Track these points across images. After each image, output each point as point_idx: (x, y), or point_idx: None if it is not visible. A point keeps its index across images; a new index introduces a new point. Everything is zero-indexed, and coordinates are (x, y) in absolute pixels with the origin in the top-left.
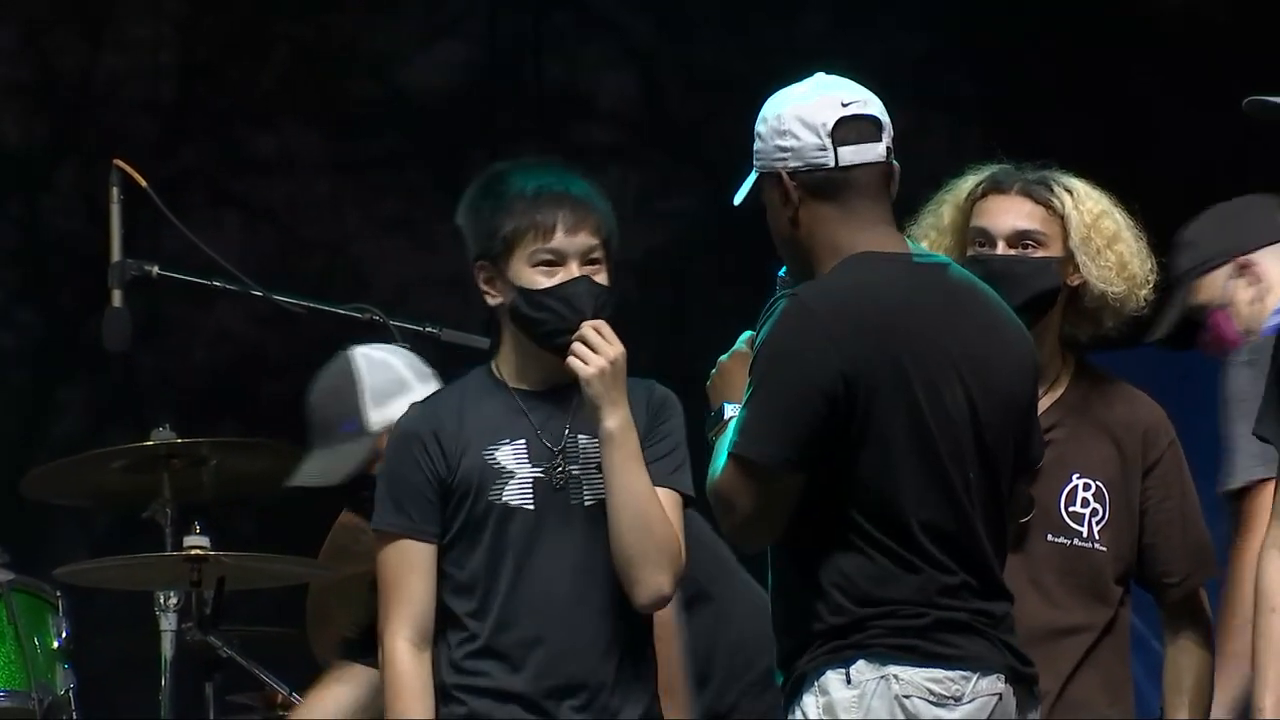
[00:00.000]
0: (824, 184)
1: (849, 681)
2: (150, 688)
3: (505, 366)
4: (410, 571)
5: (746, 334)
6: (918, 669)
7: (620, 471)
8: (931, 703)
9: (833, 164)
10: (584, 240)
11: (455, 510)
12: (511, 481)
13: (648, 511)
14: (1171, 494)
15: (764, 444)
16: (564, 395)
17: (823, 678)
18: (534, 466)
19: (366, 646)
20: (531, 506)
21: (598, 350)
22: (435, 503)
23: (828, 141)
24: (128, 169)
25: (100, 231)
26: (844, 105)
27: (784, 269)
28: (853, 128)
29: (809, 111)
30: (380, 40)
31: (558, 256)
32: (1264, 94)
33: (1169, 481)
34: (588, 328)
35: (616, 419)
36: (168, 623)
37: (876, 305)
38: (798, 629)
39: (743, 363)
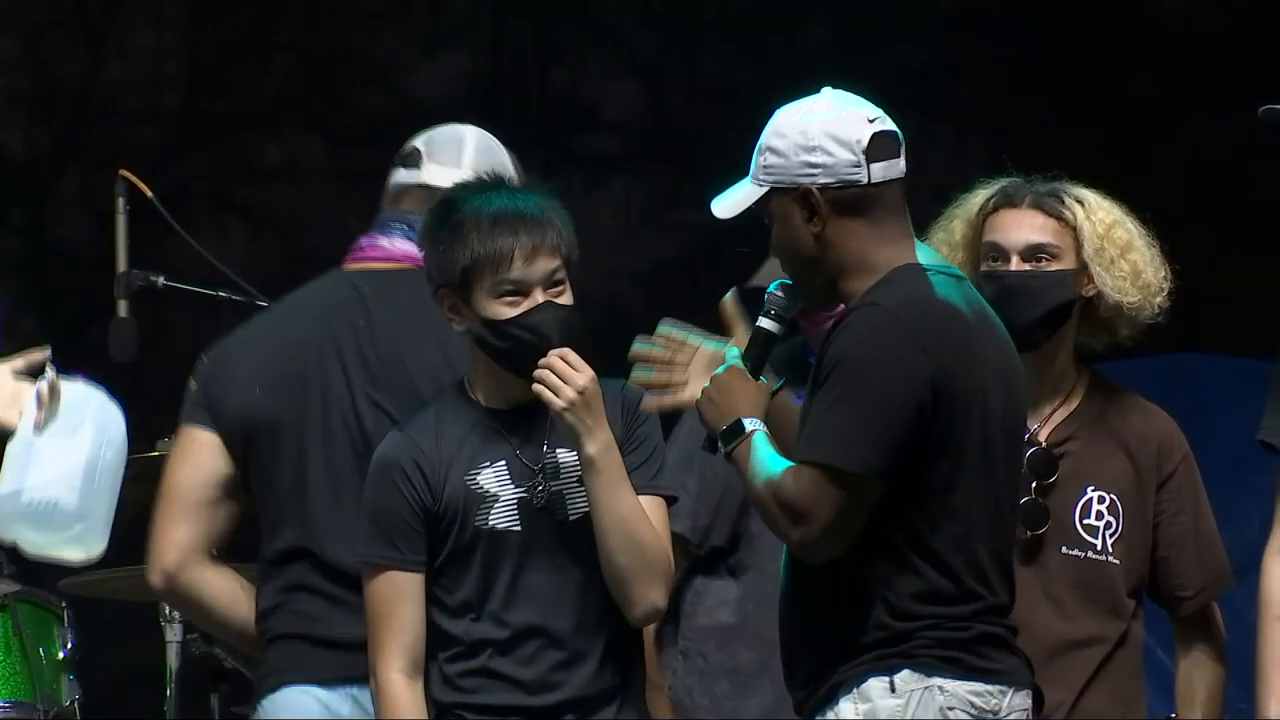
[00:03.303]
0: (855, 200)
1: (893, 690)
2: (155, 699)
3: (478, 387)
4: (400, 603)
5: (734, 350)
6: (961, 681)
7: (605, 496)
8: (973, 716)
9: (866, 180)
10: (543, 265)
11: (443, 536)
12: (496, 505)
13: (637, 530)
14: (1185, 507)
15: (858, 451)
16: (539, 411)
17: (864, 685)
18: (516, 487)
19: None
20: (518, 528)
21: (567, 380)
22: (421, 531)
23: (862, 158)
24: (133, 179)
25: (105, 241)
26: (870, 121)
27: (773, 284)
28: (882, 144)
29: (840, 128)
30: (384, 49)
31: (520, 286)
32: (1271, 101)
33: (1183, 495)
34: (554, 358)
35: (596, 444)
36: (173, 634)
37: (948, 315)
38: (836, 638)
39: (743, 378)
